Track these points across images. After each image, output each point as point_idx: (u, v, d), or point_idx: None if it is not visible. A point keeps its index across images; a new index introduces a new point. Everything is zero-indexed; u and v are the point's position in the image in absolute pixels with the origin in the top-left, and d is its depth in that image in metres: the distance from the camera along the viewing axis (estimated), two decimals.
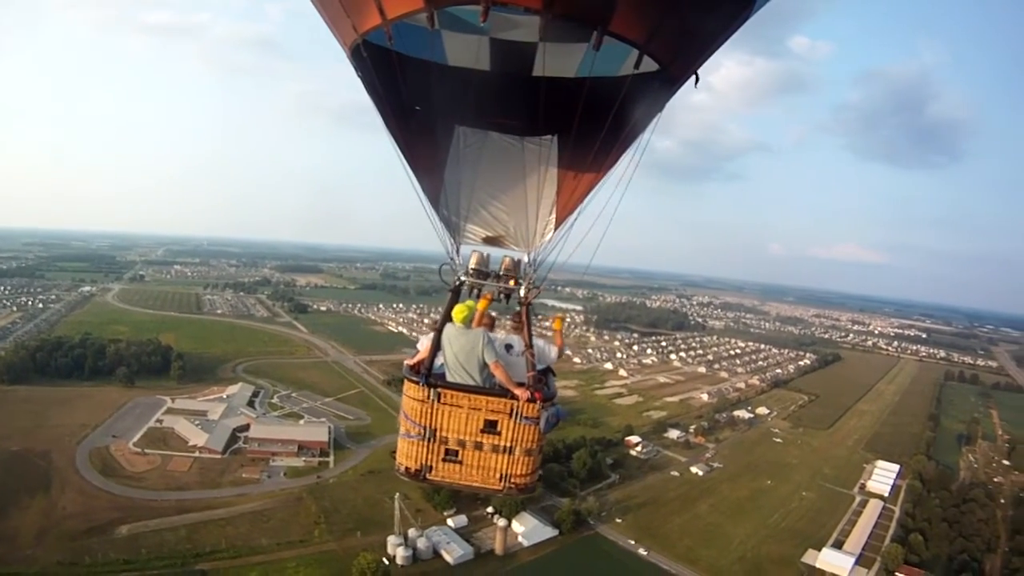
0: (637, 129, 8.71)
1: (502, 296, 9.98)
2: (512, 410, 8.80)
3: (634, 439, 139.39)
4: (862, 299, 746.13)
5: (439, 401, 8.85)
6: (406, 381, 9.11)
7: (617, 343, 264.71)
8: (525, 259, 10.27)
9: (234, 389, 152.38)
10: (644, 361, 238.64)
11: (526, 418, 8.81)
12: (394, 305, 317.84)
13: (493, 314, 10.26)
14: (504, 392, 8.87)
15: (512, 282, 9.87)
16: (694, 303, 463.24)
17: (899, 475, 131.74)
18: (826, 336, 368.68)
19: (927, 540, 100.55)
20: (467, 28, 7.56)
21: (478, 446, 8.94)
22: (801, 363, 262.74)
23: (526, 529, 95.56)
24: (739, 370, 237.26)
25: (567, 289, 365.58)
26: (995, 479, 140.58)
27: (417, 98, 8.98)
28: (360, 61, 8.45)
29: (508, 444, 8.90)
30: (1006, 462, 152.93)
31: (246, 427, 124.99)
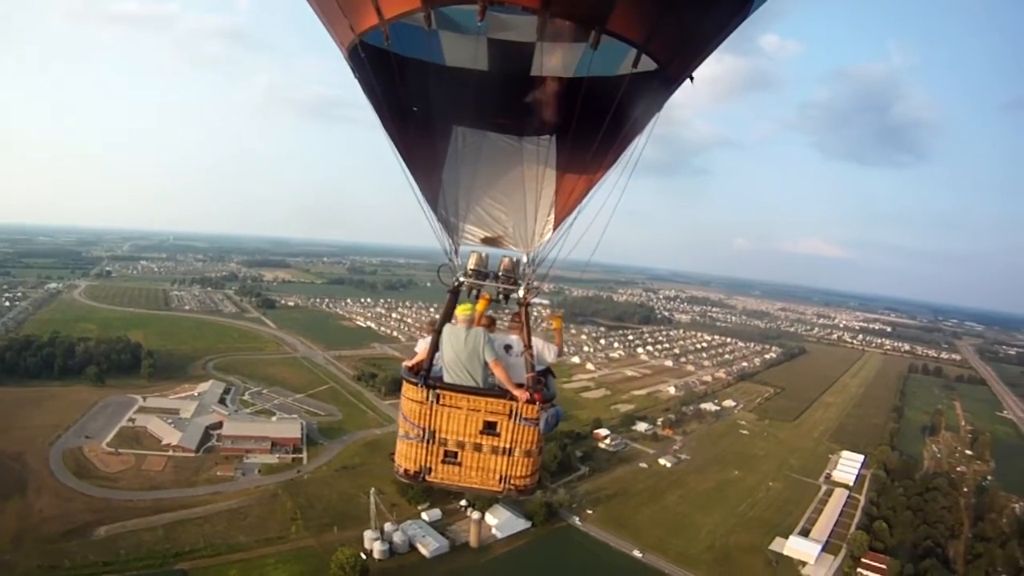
0: (635, 129, 8.70)
1: (501, 296, 9.94)
2: (511, 411, 8.81)
3: (602, 432, 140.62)
4: (827, 293, 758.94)
5: (438, 403, 8.82)
6: (405, 382, 9.06)
7: (584, 337, 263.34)
8: (524, 259, 10.25)
9: (205, 386, 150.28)
10: (611, 355, 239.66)
11: (525, 419, 8.83)
12: (362, 300, 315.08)
13: (492, 314, 10.26)
14: (503, 393, 8.87)
15: (511, 282, 9.83)
16: (661, 297, 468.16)
17: (864, 465, 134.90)
18: (792, 330, 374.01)
19: (891, 527, 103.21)
20: (464, 28, 7.55)
21: (477, 447, 8.93)
22: (767, 356, 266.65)
23: (499, 521, 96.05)
24: (706, 363, 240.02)
25: (533, 283, 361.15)
26: (958, 468, 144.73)
27: (415, 99, 8.90)
28: (358, 62, 8.33)
29: (507, 445, 8.90)
30: (969, 452, 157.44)
31: (219, 425, 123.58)
